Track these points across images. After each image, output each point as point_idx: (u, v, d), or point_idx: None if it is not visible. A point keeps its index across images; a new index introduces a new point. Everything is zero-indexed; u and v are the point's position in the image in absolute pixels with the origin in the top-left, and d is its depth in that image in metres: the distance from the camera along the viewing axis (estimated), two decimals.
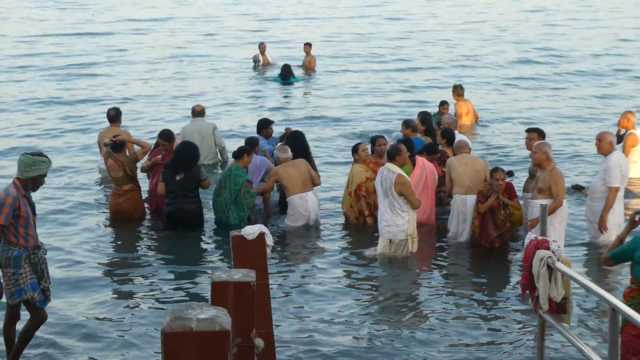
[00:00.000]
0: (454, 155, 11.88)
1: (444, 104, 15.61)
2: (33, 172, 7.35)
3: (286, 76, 23.13)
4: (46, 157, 7.48)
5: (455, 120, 13.82)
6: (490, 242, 10.61)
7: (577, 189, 13.05)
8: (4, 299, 7.41)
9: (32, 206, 7.50)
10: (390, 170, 10.36)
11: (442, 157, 12.05)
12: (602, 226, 10.51)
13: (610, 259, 6.91)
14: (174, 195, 11.28)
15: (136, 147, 12.14)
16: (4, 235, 7.30)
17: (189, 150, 11.49)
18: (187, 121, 15.69)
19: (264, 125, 13.34)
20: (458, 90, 16.80)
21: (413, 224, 10.36)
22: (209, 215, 11.93)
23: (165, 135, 12.12)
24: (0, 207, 7.22)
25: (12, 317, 7.57)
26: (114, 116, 13.53)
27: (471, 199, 10.89)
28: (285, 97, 21.70)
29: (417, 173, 11.38)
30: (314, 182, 11.82)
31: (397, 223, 10.36)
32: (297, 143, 12.19)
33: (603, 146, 10.59)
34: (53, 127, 18.05)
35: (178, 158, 11.37)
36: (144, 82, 23.33)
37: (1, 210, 7.20)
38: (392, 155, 10.51)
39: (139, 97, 21.16)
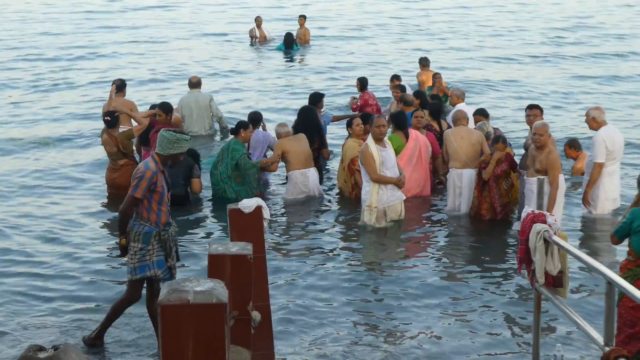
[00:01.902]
0: (439, 127, 12.24)
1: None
2: (175, 149, 7.16)
3: (289, 44, 23.33)
4: (188, 135, 7.32)
5: (462, 93, 13.87)
6: (494, 212, 10.63)
7: None
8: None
9: (168, 182, 7.34)
10: None
11: (428, 129, 12.22)
12: (584, 201, 10.60)
13: (614, 235, 6.94)
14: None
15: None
16: (136, 209, 7.20)
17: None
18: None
19: (317, 99, 13.11)
20: (423, 62, 17.46)
21: (372, 196, 10.41)
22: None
23: (164, 107, 12.03)
24: (139, 180, 7.06)
25: (153, 293, 7.43)
26: (119, 86, 13.48)
27: (467, 172, 10.90)
28: (286, 69, 21.71)
29: (410, 146, 11.41)
30: (323, 156, 12.00)
31: (362, 191, 10.60)
32: (308, 119, 12.15)
33: (588, 122, 10.77)
34: (55, 101, 18.08)
35: None
36: (138, 59, 23.28)
37: (139, 184, 7.05)
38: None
39: (136, 73, 21.13)
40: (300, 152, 11.60)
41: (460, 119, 11.31)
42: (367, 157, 10.37)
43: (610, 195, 10.66)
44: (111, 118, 11.50)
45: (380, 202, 10.44)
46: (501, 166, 10.58)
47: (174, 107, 13.27)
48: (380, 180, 10.40)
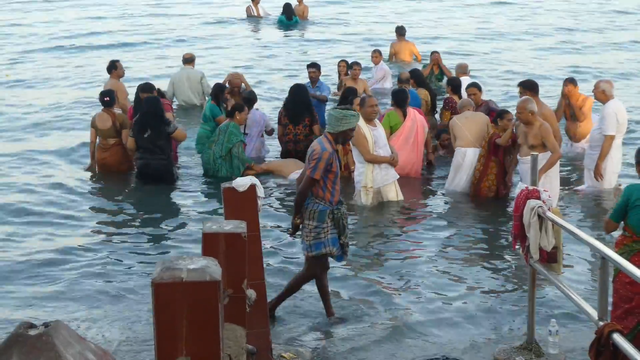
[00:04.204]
0: (459, 99, 12.37)
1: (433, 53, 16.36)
2: (343, 126, 7.29)
3: (290, 15, 23.68)
4: (355, 111, 7.44)
5: (466, 66, 14.06)
6: (497, 191, 10.62)
7: None
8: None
9: (339, 160, 7.45)
10: None
11: (450, 104, 12.54)
12: (597, 173, 10.59)
13: (610, 219, 6.70)
14: (143, 150, 11.32)
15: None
16: (312, 188, 7.30)
17: (151, 107, 11.32)
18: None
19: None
20: (399, 31, 17.95)
21: (367, 176, 10.39)
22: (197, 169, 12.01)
23: (143, 88, 12.08)
24: (317, 161, 7.17)
25: (325, 267, 7.59)
26: (109, 68, 13.93)
27: (471, 151, 10.89)
28: (287, 46, 21.72)
29: (408, 125, 11.40)
30: (314, 132, 11.92)
31: (355, 173, 10.58)
32: (296, 97, 12.15)
33: (597, 94, 10.73)
34: (48, 79, 18.08)
35: (142, 116, 11.29)
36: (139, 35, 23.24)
37: (317, 165, 7.16)
38: None
39: (134, 49, 21.11)
40: (290, 164, 11.64)
41: (465, 106, 11.52)
42: (359, 138, 10.31)
43: (616, 169, 10.74)
44: (109, 98, 11.69)
45: (375, 182, 10.42)
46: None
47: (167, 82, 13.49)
48: (375, 160, 10.37)
